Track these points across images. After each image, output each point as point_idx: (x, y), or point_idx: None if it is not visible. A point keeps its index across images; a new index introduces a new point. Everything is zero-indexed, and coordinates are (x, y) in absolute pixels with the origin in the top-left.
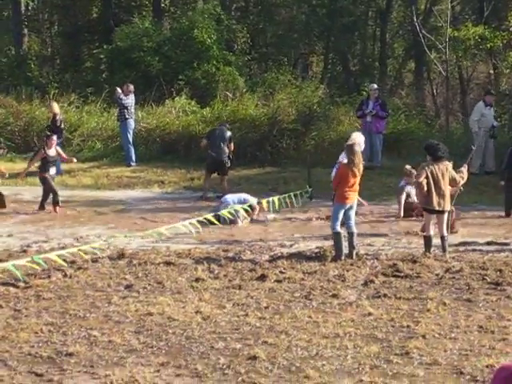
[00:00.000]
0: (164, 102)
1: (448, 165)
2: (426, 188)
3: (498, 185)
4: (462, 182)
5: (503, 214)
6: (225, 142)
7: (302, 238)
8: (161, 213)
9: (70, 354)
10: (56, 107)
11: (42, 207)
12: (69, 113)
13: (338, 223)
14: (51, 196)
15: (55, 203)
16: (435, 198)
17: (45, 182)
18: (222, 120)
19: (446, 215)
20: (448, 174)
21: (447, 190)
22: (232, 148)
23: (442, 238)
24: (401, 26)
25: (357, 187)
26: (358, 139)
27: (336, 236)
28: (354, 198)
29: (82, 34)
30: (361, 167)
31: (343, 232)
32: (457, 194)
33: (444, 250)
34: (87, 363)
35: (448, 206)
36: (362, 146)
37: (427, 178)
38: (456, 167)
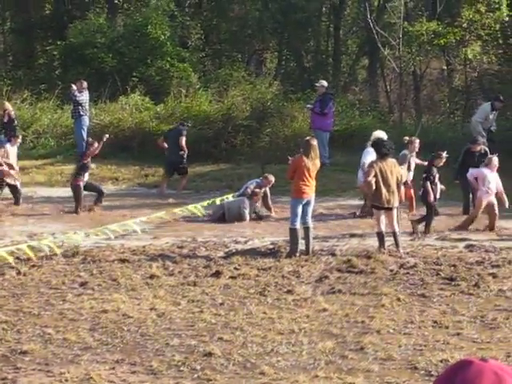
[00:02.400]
0: (118, 98)
1: (395, 161)
2: (374, 186)
3: (451, 181)
4: (403, 180)
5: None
6: (178, 143)
7: (257, 234)
8: (115, 210)
9: (25, 352)
10: (8, 105)
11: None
12: (22, 110)
13: (297, 219)
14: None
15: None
16: (384, 195)
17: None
18: (180, 118)
19: (395, 211)
20: (395, 170)
21: (395, 186)
22: (183, 146)
23: (394, 233)
24: (354, 22)
25: (313, 182)
26: (380, 135)
27: (292, 232)
28: (310, 192)
29: (35, 31)
30: (317, 162)
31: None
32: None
33: (397, 245)
34: (42, 361)
35: (397, 203)
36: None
37: (376, 175)
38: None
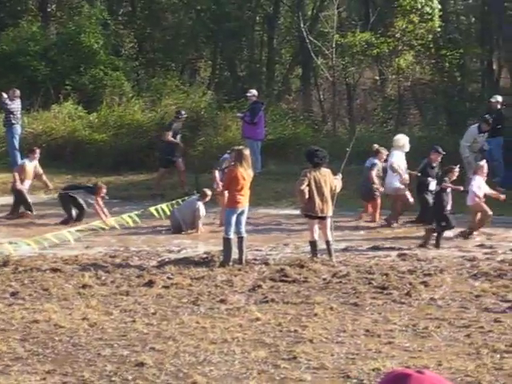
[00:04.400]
0: (50, 107)
1: (329, 171)
2: (307, 195)
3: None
4: (338, 189)
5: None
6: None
7: (190, 243)
8: (49, 218)
9: None
10: None
11: None
12: None
13: (231, 229)
14: None
15: None
16: (318, 204)
17: None
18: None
19: (328, 220)
20: (329, 179)
21: (329, 195)
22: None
23: (327, 242)
24: (288, 31)
25: (247, 192)
26: (403, 140)
27: (226, 242)
28: (245, 202)
29: None
30: (250, 172)
31: (234, 238)
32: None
33: (330, 254)
34: None
35: (330, 212)
36: (407, 147)
37: (309, 184)
38: (343, 172)
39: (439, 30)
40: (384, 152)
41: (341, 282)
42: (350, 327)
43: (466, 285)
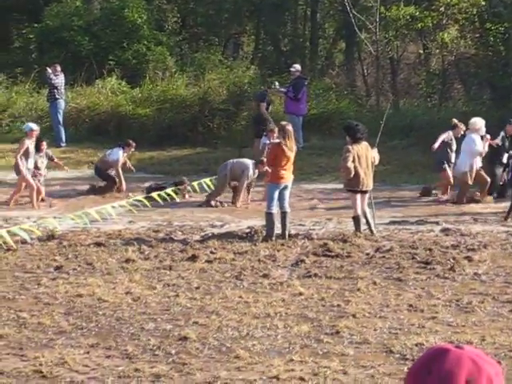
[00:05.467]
0: (94, 82)
1: (366, 144)
2: (353, 171)
3: (427, 165)
4: (376, 162)
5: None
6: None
7: (233, 218)
8: (91, 194)
9: None
10: None
11: None
12: None
13: (274, 203)
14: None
15: None
16: (362, 178)
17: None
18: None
19: (367, 194)
20: (370, 153)
21: (371, 168)
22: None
23: (365, 213)
24: (331, 6)
25: (291, 167)
26: (480, 123)
27: (269, 216)
28: (288, 178)
29: (10, 14)
30: (293, 147)
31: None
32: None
33: (369, 225)
34: (16, 345)
35: (371, 185)
36: (483, 130)
37: (354, 160)
38: (386, 146)
39: (484, 3)
40: (462, 127)
41: (384, 256)
42: (393, 302)
43: (509, 260)
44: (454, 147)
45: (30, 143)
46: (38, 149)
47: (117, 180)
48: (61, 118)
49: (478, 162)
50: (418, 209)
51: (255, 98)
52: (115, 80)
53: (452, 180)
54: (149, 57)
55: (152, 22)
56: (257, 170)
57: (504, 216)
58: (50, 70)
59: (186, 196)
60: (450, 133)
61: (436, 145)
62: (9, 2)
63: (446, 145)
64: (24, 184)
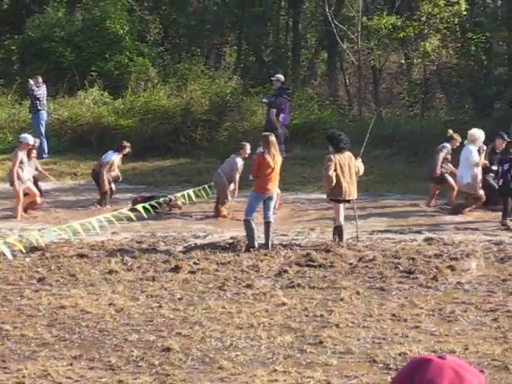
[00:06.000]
0: (76, 93)
1: (350, 154)
2: (335, 180)
3: (410, 174)
4: (361, 172)
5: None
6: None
7: (216, 228)
8: (74, 205)
9: None
10: None
11: None
12: None
13: (252, 212)
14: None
15: None
16: (344, 188)
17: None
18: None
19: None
20: (353, 163)
21: (354, 178)
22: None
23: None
24: (313, 16)
25: (276, 177)
26: (478, 134)
27: (247, 224)
28: (273, 188)
29: None
30: (278, 158)
31: (255, 221)
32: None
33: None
34: None
35: (355, 195)
36: (481, 141)
37: (335, 169)
38: (369, 156)
39: (465, 13)
40: (458, 139)
41: (367, 266)
42: (377, 312)
43: (492, 269)
44: (449, 157)
45: (23, 154)
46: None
47: (113, 186)
48: (43, 130)
49: (478, 174)
50: (401, 218)
51: (266, 104)
52: (97, 91)
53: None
54: (131, 68)
55: (134, 32)
56: (240, 158)
57: (500, 221)
58: (32, 82)
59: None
60: (448, 146)
61: (438, 170)
62: None
63: (443, 159)
64: (23, 192)
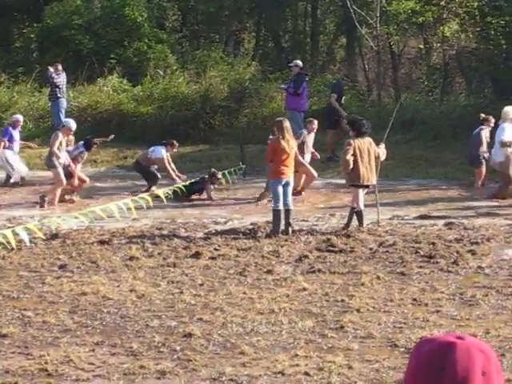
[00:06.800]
0: (95, 80)
1: (370, 139)
2: (352, 164)
3: (429, 159)
4: (383, 158)
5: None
6: None
7: (236, 214)
8: (95, 192)
9: (4, 336)
10: None
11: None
12: None
13: (280, 200)
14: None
15: None
16: (363, 173)
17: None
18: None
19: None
20: (372, 148)
21: (373, 164)
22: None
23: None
24: (332, 1)
25: (291, 162)
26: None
27: (275, 213)
28: (289, 173)
29: (11, 13)
30: (292, 142)
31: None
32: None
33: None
34: (21, 344)
35: (374, 180)
36: None
37: (354, 153)
38: (389, 141)
39: None
40: (492, 119)
41: (387, 251)
42: (397, 296)
43: None
44: (488, 139)
45: (62, 138)
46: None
47: (158, 175)
48: (63, 117)
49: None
50: (421, 203)
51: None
52: (116, 78)
53: (484, 173)
54: (150, 55)
55: (152, 19)
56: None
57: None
58: (51, 69)
59: (214, 186)
60: (486, 129)
61: (484, 148)
62: (9, 1)
63: (479, 141)
64: (63, 178)
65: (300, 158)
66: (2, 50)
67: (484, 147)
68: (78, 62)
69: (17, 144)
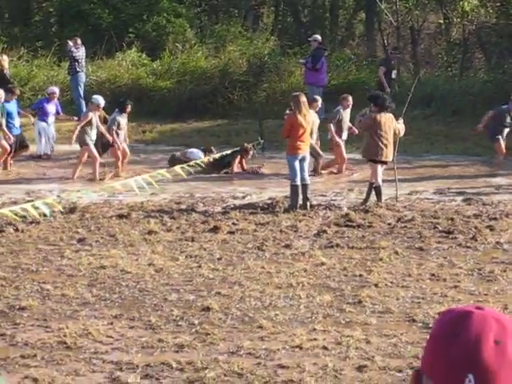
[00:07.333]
0: (114, 55)
1: (391, 115)
2: (372, 140)
3: (448, 134)
4: (402, 134)
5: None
6: None
7: (254, 189)
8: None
9: (23, 308)
10: (6, 61)
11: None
12: (18, 67)
13: (297, 175)
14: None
15: None
16: (382, 148)
17: None
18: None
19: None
20: (393, 124)
21: (392, 140)
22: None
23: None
24: None
25: (308, 138)
26: None
27: (294, 188)
28: (305, 148)
29: None
30: (309, 117)
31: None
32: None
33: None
34: (40, 317)
35: (391, 156)
36: None
37: (374, 128)
38: (407, 116)
39: None
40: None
41: (406, 226)
42: (415, 271)
43: None
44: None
45: (93, 115)
46: (123, 110)
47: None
48: (82, 91)
49: None
50: (439, 179)
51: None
52: (135, 53)
53: (504, 150)
54: (168, 29)
55: None
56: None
57: None
58: (70, 43)
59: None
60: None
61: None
62: None
63: (500, 117)
64: (86, 155)
65: (337, 138)
66: (21, 23)
67: (507, 123)
68: (96, 36)
69: (51, 117)
